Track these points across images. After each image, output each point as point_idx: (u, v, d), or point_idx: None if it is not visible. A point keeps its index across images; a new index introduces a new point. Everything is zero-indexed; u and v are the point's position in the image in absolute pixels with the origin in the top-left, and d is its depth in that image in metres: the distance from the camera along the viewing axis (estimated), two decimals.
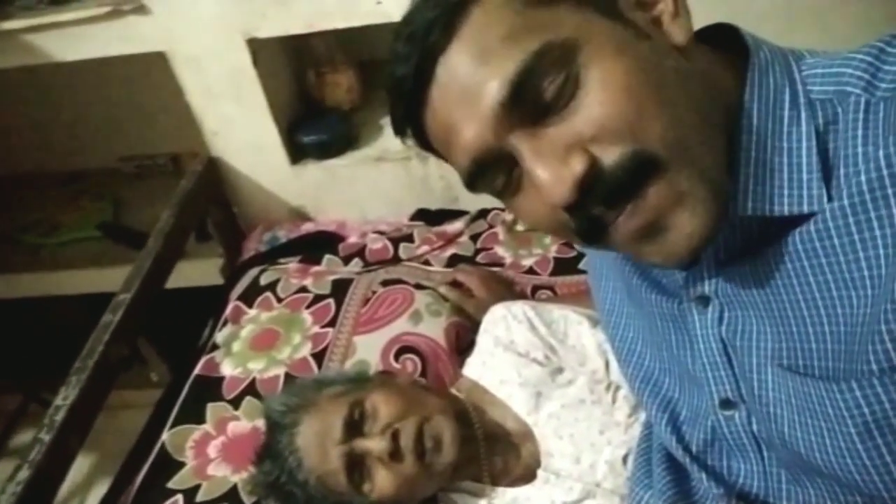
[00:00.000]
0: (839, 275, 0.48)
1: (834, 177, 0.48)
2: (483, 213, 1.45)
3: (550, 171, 0.46)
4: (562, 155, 0.46)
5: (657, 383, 0.69)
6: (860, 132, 0.47)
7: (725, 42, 0.54)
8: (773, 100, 0.50)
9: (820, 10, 1.19)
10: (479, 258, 1.36)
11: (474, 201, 1.47)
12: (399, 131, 0.56)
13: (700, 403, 0.64)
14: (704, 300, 0.58)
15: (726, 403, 0.60)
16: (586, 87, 0.46)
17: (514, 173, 0.50)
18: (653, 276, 0.64)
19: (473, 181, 0.52)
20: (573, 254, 1.32)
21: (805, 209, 0.49)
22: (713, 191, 0.47)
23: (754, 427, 0.59)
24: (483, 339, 1.05)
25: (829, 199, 0.48)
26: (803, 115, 0.49)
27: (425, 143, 0.55)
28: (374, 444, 0.87)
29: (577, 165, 0.45)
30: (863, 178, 0.46)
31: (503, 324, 1.02)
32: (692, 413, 0.65)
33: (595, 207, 0.48)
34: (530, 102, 0.46)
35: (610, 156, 0.46)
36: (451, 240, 1.41)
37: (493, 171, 0.51)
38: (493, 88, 0.46)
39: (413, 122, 0.54)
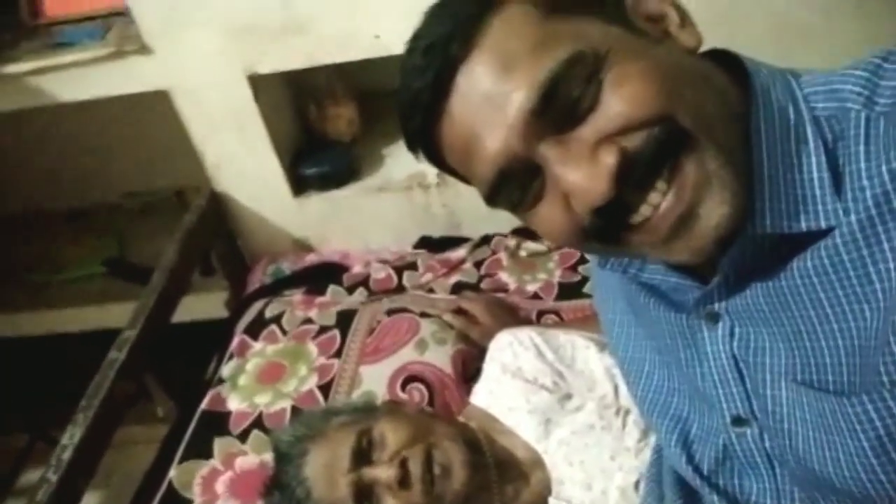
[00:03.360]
0: (850, 290, 0.48)
1: (842, 191, 0.48)
2: (486, 240, 1.45)
3: (583, 172, 0.46)
4: (589, 155, 0.46)
5: (666, 403, 0.68)
6: (862, 148, 0.48)
7: (725, 67, 0.55)
8: (779, 119, 0.50)
9: (812, 31, 1.20)
10: (483, 284, 1.36)
11: (477, 228, 1.47)
12: (413, 147, 0.55)
13: (711, 422, 0.63)
14: (714, 317, 0.58)
15: (738, 421, 0.60)
16: (610, 88, 0.46)
17: (533, 185, 0.50)
18: (661, 292, 0.63)
19: (495, 194, 0.51)
20: (577, 278, 1.32)
21: (822, 224, 0.49)
22: (738, 179, 0.47)
23: (767, 444, 0.59)
24: (490, 366, 1.04)
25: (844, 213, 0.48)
26: (809, 131, 0.50)
27: (438, 160, 0.55)
28: (383, 472, 0.86)
29: (609, 158, 0.45)
30: (868, 193, 0.47)
31: (510, 350, 1.02)
32: (703, 432, 0.65)
33: (631, 193, 0.47)
34: (559, 110, 0.46)
35: (638, 139, 0.46)
36: (454, 267, 1.41)
37: (515, 182, 0.50)
38: (522, 96, 0.46)
39: (427, 137, 0.53)
